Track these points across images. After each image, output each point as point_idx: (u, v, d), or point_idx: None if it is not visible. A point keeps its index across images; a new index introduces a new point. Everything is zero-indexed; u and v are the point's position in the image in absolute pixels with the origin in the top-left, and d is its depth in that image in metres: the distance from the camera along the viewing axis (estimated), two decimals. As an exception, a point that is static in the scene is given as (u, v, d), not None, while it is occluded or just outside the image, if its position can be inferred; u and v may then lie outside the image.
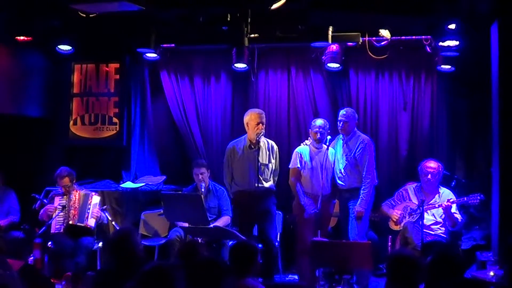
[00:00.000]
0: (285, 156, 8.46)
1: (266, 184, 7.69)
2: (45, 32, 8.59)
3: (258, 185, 7.51)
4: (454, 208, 7.51)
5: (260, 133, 7.60)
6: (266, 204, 7.72)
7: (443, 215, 7.48)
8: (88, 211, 8.08)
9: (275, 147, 7.93)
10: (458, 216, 7.50)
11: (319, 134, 7.67)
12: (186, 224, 7.51)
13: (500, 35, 7.05)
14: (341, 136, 7.82)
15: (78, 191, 8.21)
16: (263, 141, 7.79)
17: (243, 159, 7.71)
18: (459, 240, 7.92)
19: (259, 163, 7.60)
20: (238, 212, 7.91)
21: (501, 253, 6.75)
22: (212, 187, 8.21)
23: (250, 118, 7.75)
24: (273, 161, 7.82)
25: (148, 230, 8.72)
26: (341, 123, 7.68)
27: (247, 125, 7.77)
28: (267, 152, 7.78)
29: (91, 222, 8.07)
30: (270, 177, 7.80)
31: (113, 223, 8.21)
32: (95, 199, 8.21)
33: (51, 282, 5.62)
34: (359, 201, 7.48)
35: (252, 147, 7.67)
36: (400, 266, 4.27)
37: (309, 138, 7.89)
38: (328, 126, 7.76)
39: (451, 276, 4.05)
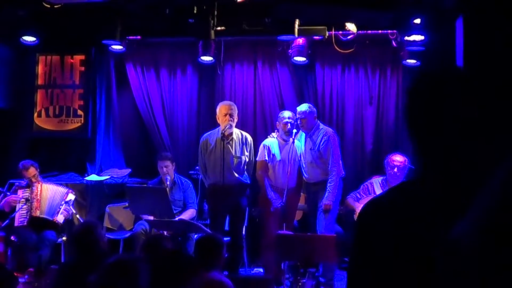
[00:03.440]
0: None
1: (237, 176, 7.60)
2: (9, 22, 8.47)
3: (229, 177, 7.46)
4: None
5: (227, 125, 7.47)
6: (239, 198, 7.64)
7: None
8: (61, 207, 8.02)
9: (249, 139, 7.78)
10: None
11: (289, 125, 7.59)
12: (151, 217, 7.46)
13: (465, 30, 7.11)
14: (303, 130, 7.81)
15: (41, 183, 8.15)
16: (237, 133, 7.68)
17: (215, 152, 7.57)
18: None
19: (231, 156, 7.56)
20: (211, 205, 7.84)
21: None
22: (177, 180, 8.17)
23: (219, 109, 7.67)
24: (246, 153, 7.69)
25: (113, 223, 8.67)
26: (299, 120, 7.61)
27: (218, 117, 7.71)
28: (240, 144, 7.66)
29: (60, 218, 8.01)
30: (243, 170, 7.72)
31: (78, 216, 8.15)
32: (70, 196, 8.17)
33: (15, 276, 5.56)
34: (326, 194, 7.40)
35: (224, 139, 7.50)
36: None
37: (276, 131, 7.87)
38: (295, 118, 7.73)
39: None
